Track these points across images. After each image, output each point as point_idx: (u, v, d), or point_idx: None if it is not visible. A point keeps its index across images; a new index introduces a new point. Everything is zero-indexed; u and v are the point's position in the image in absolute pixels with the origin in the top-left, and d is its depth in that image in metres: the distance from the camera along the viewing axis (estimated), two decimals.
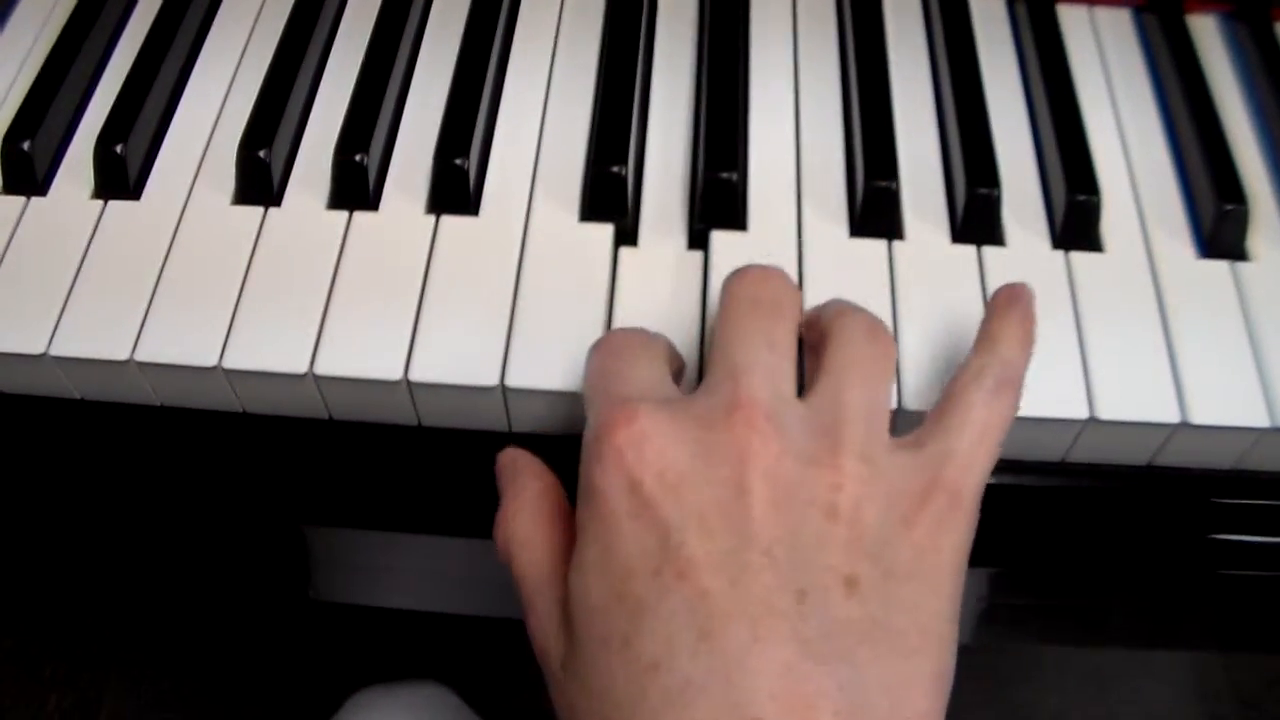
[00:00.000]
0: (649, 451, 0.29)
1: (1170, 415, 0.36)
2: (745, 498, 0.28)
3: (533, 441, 0.38)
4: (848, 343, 0.32)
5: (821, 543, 0.28)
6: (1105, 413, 0.36)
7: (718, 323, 0.32)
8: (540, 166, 0.42)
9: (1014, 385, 0.32)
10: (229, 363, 0.37)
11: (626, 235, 0.40)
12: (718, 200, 0.40)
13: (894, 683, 0.27)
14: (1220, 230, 0.40)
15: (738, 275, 0.33)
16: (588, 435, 0.30)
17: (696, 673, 0.26)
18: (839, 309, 0.33)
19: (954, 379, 0.32)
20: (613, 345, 0.33)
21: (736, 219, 0.40)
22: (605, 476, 0.29)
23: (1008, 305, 0.34)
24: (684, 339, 0.37)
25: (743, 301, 0.32)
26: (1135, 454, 0.38)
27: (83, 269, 0.39)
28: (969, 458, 0.30)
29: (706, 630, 0.26)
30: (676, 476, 0.28)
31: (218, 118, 0.44)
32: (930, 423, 0.31)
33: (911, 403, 0.36)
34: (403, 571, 0.58)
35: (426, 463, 0.39)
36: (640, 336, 0.34)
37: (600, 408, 0.30)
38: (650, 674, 0.27)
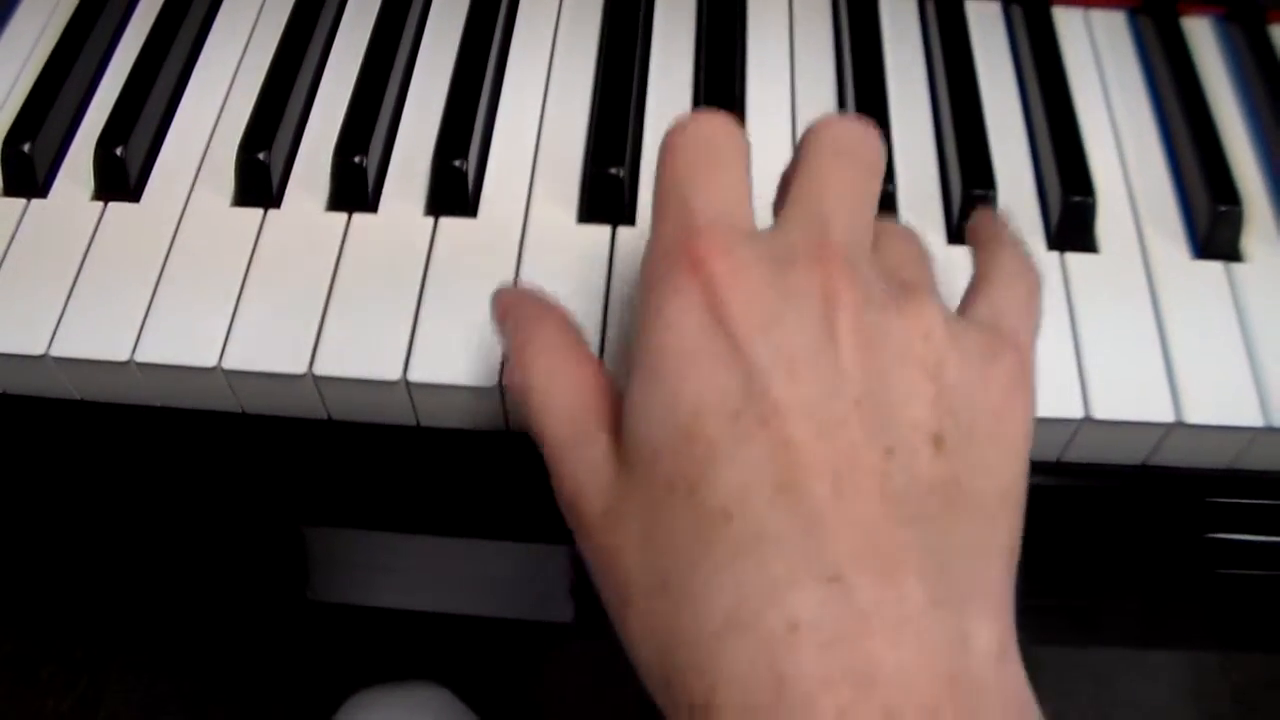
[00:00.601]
0: (740, 287, 0.26)
1: (1165, 415, 0.36)
2: (834, 346, 0.26)
3: (530, 442, 0.38)
4: (895, 240, 0.31)
5: (908, 398, 0.26)
6: (1100, 412, 0.36)
7: (798, 163, 0.30)
8: (539, 167, 0.42)
9: (1034, 263, 0.32)
10: (228, 363, 0.37)
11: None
12: None
13: (974, 548, 0.25)
14: (1214, 231, 0.40)
15: (827, 123, 0.30)
16: (660, 248, 0.28)
17: (771, 525, 0.24)
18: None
19: (980, 267, 0.32)
20: (702, 139, 0.29)
21: None
22: (684, 304, 0.26)
23: (994, 220, 0.35)
24: None
25: (833, 151, 0.29)
26: (1130, 453, 0.38)
27: (83, 270, 0.39)
28: (1024, 321, 0.30)
29: (786, 481, 0.24)
30: (765, 316, 0.26)
31: (218, 119, 0.44)
32: (971, 296, 0.31)
33: None
34: (401, 572, 0.58)
35: (425, 463, 0.39)
36: (730, 135, 0.30)
37: (683, 221, 0.27)
38: (720, 523, 0.24)
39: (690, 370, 0.26)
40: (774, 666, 0.23)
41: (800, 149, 0.30)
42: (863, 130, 0.30)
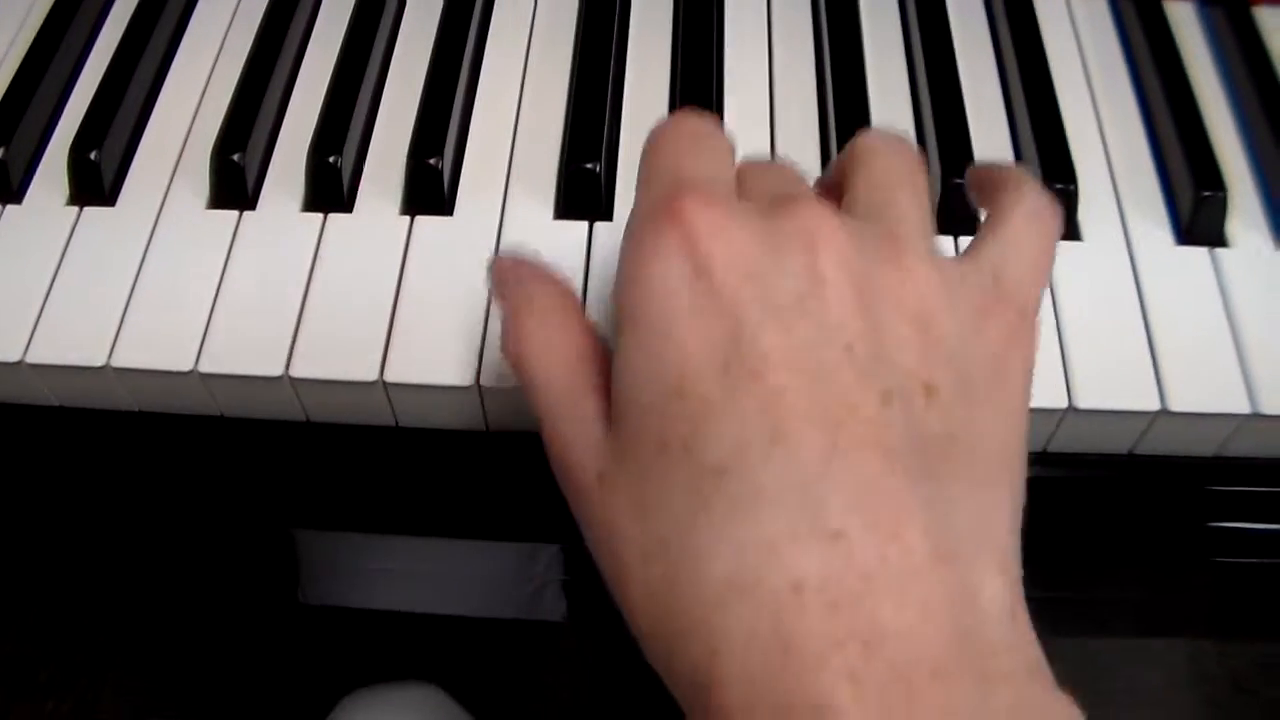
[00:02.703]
0: (722, 239, 0.25)
1: (1149, 403, 0.36)
2: (822, 287, 0.25)
3: (511, 440, 0.38)
4: (883, 162, 0.29)
5: (900, 345, 0.25)
6: (1084, 402, 0.36)
7: (741, 167, 0.30)
8: (515, 164, 0.42)
9: (1051, 206, 0.30)
10: (204, 367, 0.37)
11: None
12: None
13: (976, 503, 0.25)
14: (1198, 217, 0.40)
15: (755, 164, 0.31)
16: (642, 209, 0.27)
17: (769, 480, 0.23)
18: (855, 139, 0.31)
19: (994, 206, 0.30)
20: (687, 128, 0.30)
21: None
22: (668, 258, 0.25)
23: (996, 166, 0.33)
24: None
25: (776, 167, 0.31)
26: (1116, 443, 0.38)
27: (58, 276, 0.39)
28: (1029, 273, 0.28)
29: (781, 432, 0.23)
30: (749, 265, 0.25)
31: (193, 121, 0.44)
32: (979, 241, 0.29)
33: None
34: (393, 573, 0.58)
35: (411, 464, 0.39)
36: (714, 128, 0.30)
37: (667, 183, 0.27)
38: (715, 480, 0.24)
39: (677, 325, 0.25)
40: (779, 630, 0.22)
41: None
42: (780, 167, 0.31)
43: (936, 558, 0.23)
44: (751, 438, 0.24)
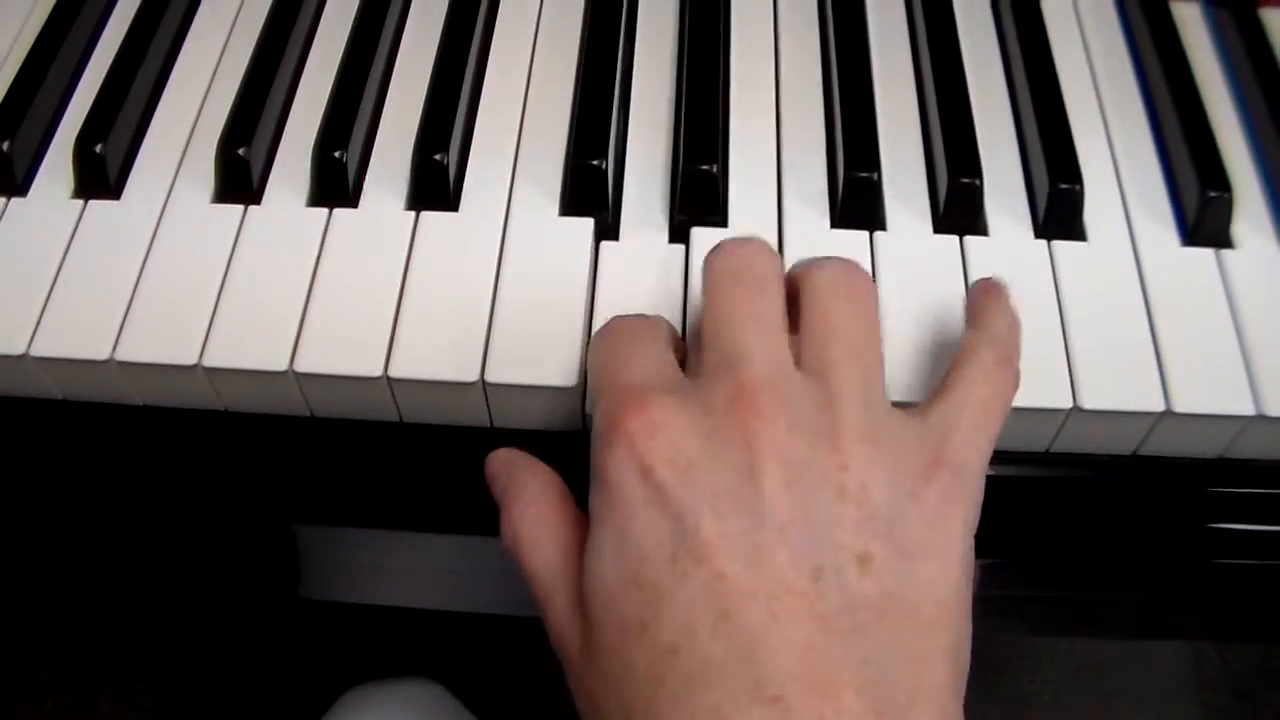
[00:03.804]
0: (660, 439, 0.29)
1: (1154, 404, 0.36)
2: (757, 480, 0.28)
3: (515, 437, 0.38)
4: (824, 309, 0.31)
5: (833, 522, 0.28)
6: (1089, 402, 0.36)
7: (703, 302, 0.32)
8: (520, 160, 0.42)
9: (1011, 360, 0.33)
10: (209, 361, 0.36)
11: (607, 229, 0.40)
12: (698, 192, 0.40)
13: (913, 657, 0.27)
14: (1204, 218, 0.40)
15: (717, 251, 0.33)
16: (598, 423, 0.30)
17: (715, 653, 0.26)
18: (805, 269, 0.33)
19: (955, 359, 0.33)
20: (619, 332, 0.33)
21: (717, 211, 0.40)
22: (617, 465, 0.29)
23: (990, 290, 0.35)
24: None
25: (725, 279, 0.32)
26: (1120, 443, 0.38)
27: (63, 269, 0.39)
28: (971, 433, 0.31)
29: (724, 611, 0.26)
30: (687, 462, 0.28)
31: (198, 115, 0.44)
32: (934, 398, 0.31)
33: (895, 395, 0.36)
34: (394, 569, 0.57)
35: (412, 459, 0.39)
36: (644, 322, 0.34)
37: (610, 395, 0.30)
38: (669, 658, 0.27)
39: (629, 521, 0.28)
40: None
41: (703, 284, 0.33)
42: (751, 249, 0.32)
43: (873, 714, 0.26)
44: (698, 619, 0.27)
